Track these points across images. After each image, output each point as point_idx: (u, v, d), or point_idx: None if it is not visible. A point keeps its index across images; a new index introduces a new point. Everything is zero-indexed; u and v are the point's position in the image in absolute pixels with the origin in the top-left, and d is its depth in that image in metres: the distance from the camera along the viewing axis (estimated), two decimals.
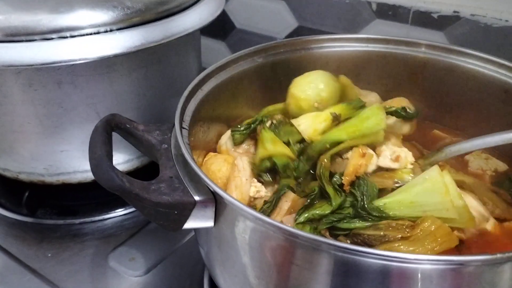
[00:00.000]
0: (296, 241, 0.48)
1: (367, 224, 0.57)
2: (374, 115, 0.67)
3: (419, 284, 0.46)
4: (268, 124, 0.72)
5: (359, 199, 0.60)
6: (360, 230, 0.57)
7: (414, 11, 0.97)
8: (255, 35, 1.24)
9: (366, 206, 0.59)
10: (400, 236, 0.55)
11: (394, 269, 0.46)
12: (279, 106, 0.79)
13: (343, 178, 0.62)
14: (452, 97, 0.79)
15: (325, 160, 0.64)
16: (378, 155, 0.66)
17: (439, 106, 0.80)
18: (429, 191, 0.58)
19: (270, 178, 0.67)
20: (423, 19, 0.96)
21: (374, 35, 0.81)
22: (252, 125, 0.73)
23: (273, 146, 0.66)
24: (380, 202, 0.59)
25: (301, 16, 1.14)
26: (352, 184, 0.62)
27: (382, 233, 0.56)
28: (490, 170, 0.71)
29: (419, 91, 0.81)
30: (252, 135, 0.74)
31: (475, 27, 0.91)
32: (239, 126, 0.75)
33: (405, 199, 0.58)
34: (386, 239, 0.55)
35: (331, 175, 0.64)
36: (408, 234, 0.55)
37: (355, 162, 0.63)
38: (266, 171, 0.67)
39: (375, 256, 0.45)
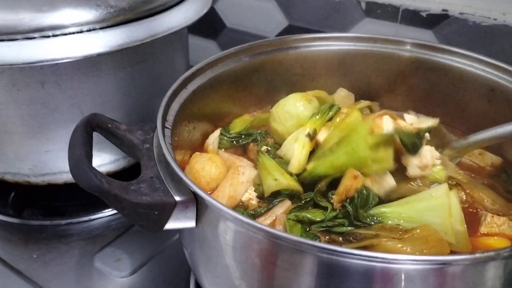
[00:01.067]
0: (277, 242, 0.48)
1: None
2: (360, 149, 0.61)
3: (403, 285, 0.45)
4: (263, 148, 0.71)
5: (351, 212, 0.59)
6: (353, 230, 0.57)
7: (403, 10, 0.97)
8: (245, 34, 1.24)
9: (359, 216, 0.59)
10: (392, 236, 0.55)
11: (377, 270, 0.46)
12: (267, 116, 0.79)
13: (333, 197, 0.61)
14: (438, 95, 0.79)
15: (320, 185, 0.63)
16: (406, 166, 0.64)
17: (425, 104, 0.80)
18: (431, 210, 0.57)
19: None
20: (412, 17, 0.96)
21: (361, 34, 0.81)
22: (242, 137, 0.75)
23: (284, 179, 0.64)
24: (377, 210, 0.59)
25: (291, 15, 1.14)
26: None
27: (374, 232, 0.55)
28: (487, 165, 0.71)
29: (406, 89, 0.81)
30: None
31: (464, 26, 0.91)
32: (228, 130, 0.75)
33: (405, 212, 0.58)
34: (376, 243, 0.55)
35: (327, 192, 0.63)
36: (400, 236, 0.55)
37: (347, 183, 0.60)
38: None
39: (357, 257, 0.44)
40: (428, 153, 0.63)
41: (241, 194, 0.66)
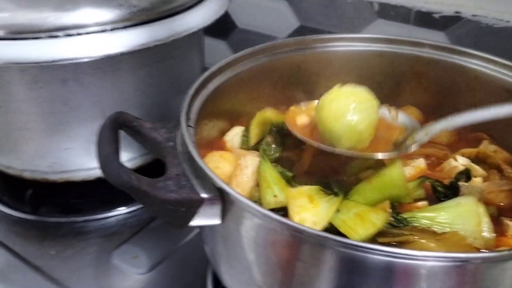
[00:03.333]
0: (302, 237, 0.48)
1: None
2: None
3: (424, 281, 0.46)
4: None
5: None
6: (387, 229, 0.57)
7: (415, 11, 0.98)
8: (256, 35, 1.24)
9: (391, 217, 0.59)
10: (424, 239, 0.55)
11: (399, 266, 0.46)
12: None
13: None
14: (454, 96, 0.79)
15: None
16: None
17: (441, 105, 0.80)
18: (462, 217, 0.58)
19: None
20: (425, 19, 0.97)
21: (377, 35, 0.82)
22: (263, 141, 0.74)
23: (285, 197, 0.61)
24: (409, 214, 0.59)
25: (303, 16, 1.15)
26: None
27: (408, 233, 0.56)
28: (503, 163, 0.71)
29: (421, 90, 0.82)
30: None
31: (477, 28, 0.92)
32: (249, 133, 0.75)
33: (436, 217, 0.58)
34: (412, 239, 0.55)
35: None
36: (432, 238, 0.55)
37: None
38: None
39: (380, 253, 0.45)
40: (466, 190, 0.64)
41: (249, 188, 0.65)
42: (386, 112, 0.71)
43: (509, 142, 0.75)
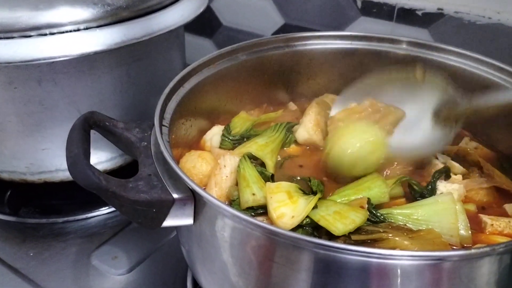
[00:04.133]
0: (275, 238, 0.48)
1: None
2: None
3: (399, 280, 0.46)
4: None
5: None
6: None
7: (398, 8, 0.97)
8: (242, 33, 1.24)
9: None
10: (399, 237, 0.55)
11: (374, 266, 0.46)
12: (272, 115, 0.80)
13: None
14: None
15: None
16: None
17: None
18: (439, 214, 0.58)
19: None
20: (408, 16, 0.97)
21: (357, 33, 0.81)
22: (244, 140, 0.74)
23: (263, 195, 0.61)
24: (385, 210, 0.59)
25: (287, 14, 1.14)
26: None
27: (382, 230, 0.56)
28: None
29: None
30: None
31: (459, 24, 0.91)
32: (230, 131, 0.75)
33: (412, 214, 0.58)
34: (385, 237, 0.55)
35: None
36: (407, 235, 0.55)
37: None
38: None
39: (354, 253, 0.45)
40: (444, 188, 0.64)
41: (227, 187, 0.65)
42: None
43: (490, 138, 0.76)
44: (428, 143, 0.69)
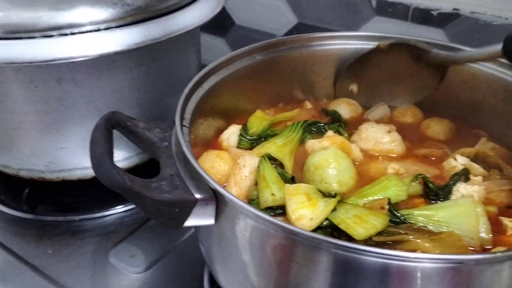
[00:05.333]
0: (297, 239, 0.48)
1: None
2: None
3: (419, 283, 0.46)
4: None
5: None
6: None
7: (413, 8, 0.97)
8: (254, 32, 1.24)
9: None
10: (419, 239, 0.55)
11: (394, 268, 0.46)
12: (288, 114, 0.80)
13: None
14: (451, 95, 0.79)
15: None
16: None
17: (439, 103, 0.80)
18: (460, 216, 0.57)
19: None
20: (423, 16, 0.96)
21: (374, 33, 0.81)
22: (262, 140, 0.74)
23: (282, 195, 0.61)
24: (407, 211, 0.59)
25: (301, 13, 1.14)
26: None
27: (402, 231, 0.56)
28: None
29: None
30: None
31: (475, 25, 0.91)
32: (247, 130, 0.75)
33: (433, 216, 0.58)
34: (406, 239, 0.55)
35: None
36: (428, 238, 0.55)
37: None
38: None
39: (374, 255, 0.45)
40: (464, 190, 0.64)
41: (247, 187, 0.65)
42: None
43: (508, 138, 0.75)
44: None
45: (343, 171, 0.65)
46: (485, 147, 0.73)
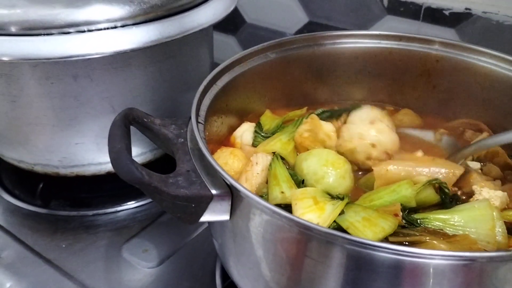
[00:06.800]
0: (311, 234, 0.49)
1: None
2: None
3: (431, 279, 0.46)
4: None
5: None
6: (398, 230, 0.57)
7: (425, 8, 0.97)
8: (265, 30, 1.25)
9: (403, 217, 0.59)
10: (435, 240, 0.55)
11: (407, 264, 0.46)
12: (298, 112, 0.81)
13: None
14: (463, 95, 0.79)
15: None
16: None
17: (450, 103, 0.81)
18: (476, 220, 0.57)
19: None
20: (435, 15, 0.97)
21: (387, 32, 0.81)
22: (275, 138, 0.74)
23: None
24: (422, 215, 0.59)
25: (312, 11, 1.15)
26: None
27: (418, 233, 0.56)
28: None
29: (430, 88, 0.82)
30: None
31: (487, 25, 0.91)
32: (262, 128, 0.76)
33: (449, 219, 0.58)
34: (423, 240, 0.55)
35: None
36: (443, 240, 0.55)
37: None
38: None
39: (388, 251, 0.45)
40: (487, 195, 0.63)
41: (257, 184, 0.65)
42: (431, 135, 0.71)
43: (502, 127, 0.75)
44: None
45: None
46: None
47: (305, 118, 0.74)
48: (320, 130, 0.71)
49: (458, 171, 0.65)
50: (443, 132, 0.74)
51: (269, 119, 0.79)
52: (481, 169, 0.69)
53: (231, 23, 1.30)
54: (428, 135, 0.72)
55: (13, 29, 0.68)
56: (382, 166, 0.65)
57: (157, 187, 0.51)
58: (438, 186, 0.64)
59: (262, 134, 0.75)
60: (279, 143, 0.72)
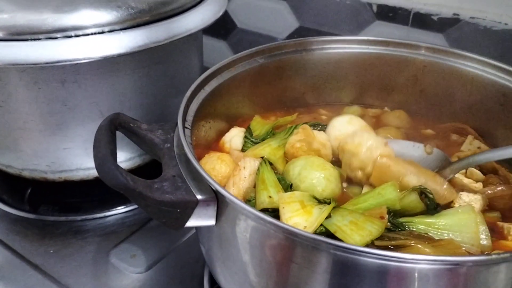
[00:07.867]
0: (296, 240, 0.49)
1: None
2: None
3: (416, 284, 0.47)
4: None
5: None
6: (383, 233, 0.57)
7: (414, 13, 0.98)
8: (256, 35, 1.25)
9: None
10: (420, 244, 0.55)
11: (392, 269, 0.47)
12: (289, 118, 0.81)
13: None
14: (450, 99, 0.80)
15: None
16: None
17: (437, 108, 0.81)
18: (460, 224, 0.58)
19: None
20: (423, 21, 0.97)
21: (374, 37, 0.82)
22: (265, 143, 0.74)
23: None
24: (407, 219, 0.59)
25: (302, 17, 1.15)
26: None
27: (403, 237, 0.56)
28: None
29: (418, 93, 0.82)
30: None
31: (475, 30, 0.92)
32: (252, 133, 0.76)
33: (434, 223, 0.59)
34: (408, 244, 0.55)
35: None
36: (428, 244, 0.55)
37: None
38: None
39: (373, 256, 0.46)
40: (467, 198, 0.64)
41: (245, 188, 0.65)
42: (421, 148, 0.72)
43: (493, 137, 0.77)
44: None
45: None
46: (472, 146, 0.74)
47: (296, 129, 0.74)
48: (313, 140, 0.71)
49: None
50: (433, 145, 0.74)
51: (259, 125, 0.79)
52: (465, 172, 0.70)
53: (223, 27, 1.30)
54: (418, 149, 0.72)
55: (0, 34, 0.68)
56: (384, 161, 0.66)
57: (141, 193, 0.51)
58: (423, 193, 0.64)
59: (252, 140, 0.75)
60: (269, 148, 0.72)
